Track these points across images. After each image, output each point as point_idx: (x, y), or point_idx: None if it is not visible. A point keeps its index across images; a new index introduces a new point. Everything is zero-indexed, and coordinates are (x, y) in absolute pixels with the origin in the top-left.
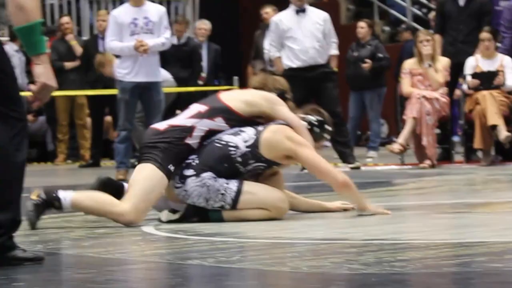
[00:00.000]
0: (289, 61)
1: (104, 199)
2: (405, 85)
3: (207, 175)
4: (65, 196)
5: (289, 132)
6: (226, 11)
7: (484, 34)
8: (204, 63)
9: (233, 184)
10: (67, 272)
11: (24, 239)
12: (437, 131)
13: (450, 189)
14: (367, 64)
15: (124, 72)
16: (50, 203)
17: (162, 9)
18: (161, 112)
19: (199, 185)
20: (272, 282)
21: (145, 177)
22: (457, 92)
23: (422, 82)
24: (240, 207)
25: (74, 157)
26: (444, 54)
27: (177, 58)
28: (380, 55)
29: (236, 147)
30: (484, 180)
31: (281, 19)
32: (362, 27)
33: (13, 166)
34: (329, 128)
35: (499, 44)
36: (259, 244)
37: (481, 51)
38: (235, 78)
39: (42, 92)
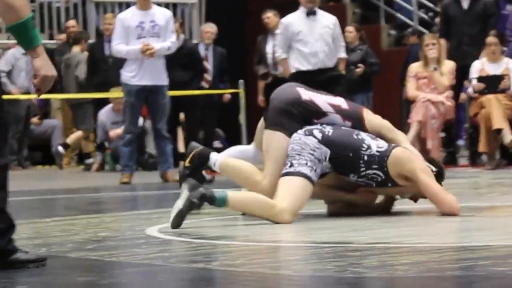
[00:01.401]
0: (299, 64)
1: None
2: (411, 89)
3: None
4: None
5: (415, 158)
6: (232, 15)
7: (490, 39)
8: (210, 66)
9: None
10: (70, 276)
11: (27, 242)
12: (442, 134)
13: (454, 192)
14: (360, 69)
15: (130, 75)
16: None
17: (168, 13)
18: (167, 115)
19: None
20: (275, 286)
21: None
22: (463, 96)
23: (428, 85)
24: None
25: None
26: (449, 57)
27: (176, 62)
28: (371, 60)
29: (369, 146)
30: (488, 184)
31: (291, 21)
32: (350, 31)
33: None
34: (444, 177)
35: (505, 48)
36: (263, 247)
37: (487, 55)
38: (241, 82)
39: (44, 84)
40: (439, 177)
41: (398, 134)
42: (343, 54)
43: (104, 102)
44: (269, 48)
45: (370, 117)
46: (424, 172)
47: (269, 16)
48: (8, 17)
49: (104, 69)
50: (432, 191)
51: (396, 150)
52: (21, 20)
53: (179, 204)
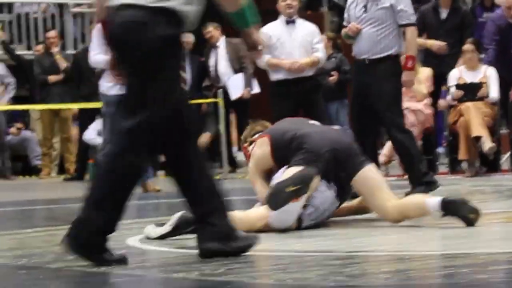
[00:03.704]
0: (277, 73)
1: None
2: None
3: None
4: None
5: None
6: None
7: (467, 46)
8: (188, 75)
9: None
10: (51, 286)
11: (7, 253)
12: (420, 142)
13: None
14: (333, 78)
15: (109, 85)
16: None
17: None
18: None
19: None
20: None
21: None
22: (442, 103)
23: (406, 94)
24: None
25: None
26: (426, 64)
27: None
28: (346, 67)
29: None
30: (468, 191)
31: (270, 30)
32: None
33: None
34: None
35: (482, 56)
36: (243, 256)
37: (465, 62)
38: (220, 91)
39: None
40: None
41: None
42: (320, 54)
43: (92, 112)
44: (212, 62)
45: None
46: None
47: (210, 30)
48: (231, 6)
49: (91, 80)
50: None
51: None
52: (241, 7)
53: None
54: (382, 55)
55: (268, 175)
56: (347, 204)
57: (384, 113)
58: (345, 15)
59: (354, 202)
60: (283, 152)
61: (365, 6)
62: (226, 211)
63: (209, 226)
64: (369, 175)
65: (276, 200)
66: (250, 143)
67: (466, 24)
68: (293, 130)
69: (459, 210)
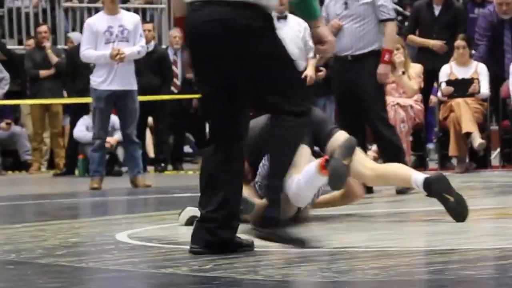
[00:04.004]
0: None
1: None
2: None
3: None
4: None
5: None
6: None
7: (459, 42)
8: (179, 71)
9: None
10: (39, 281)
11: None
12: (410, 138)
13: (423, 196)
14: (321, 73)
15: (99, 80)
16: None
17: (136, 17)
18: (136, 120)
19: None
20: None
21: None
22: (433, 99)
23: (397, 90)
24: None
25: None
26: (417, 60)
27: (147, 66)
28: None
29: None
30: (458, 188)
31: None
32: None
33: None
34: None
35: (473, 52)
36: (232, 252)
37: (456, 58)
38: None
39: (330, 48)
40: None
41: None
42: (311, 55)
43: (85, 107)
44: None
45: None
46: None
47: (176, 35)
48: None
49: (85, 75)
50: None
51: None
52: None
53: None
54: (365, 51)
55: None
56: (325, 196)
57: (369, 106)
58: (324, 14)
59: (332, 194)
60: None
61: (345, 3)
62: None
63: None
64: (343, 138)
65: (340, 178)
66: None
67: (459, 20)
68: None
69: (438, 189)
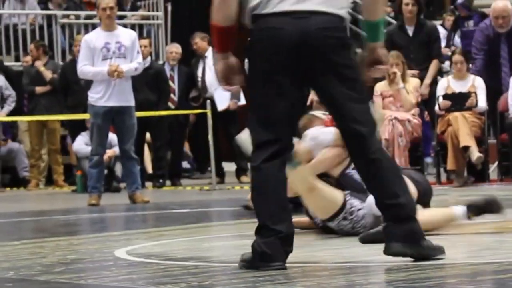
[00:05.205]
0: None
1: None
2: (377, 107)
3: None
4: None
5: None
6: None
7: (457, 57)
8: (176, 86)
9: None
10: None
11: None
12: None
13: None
14: None
15: (97, 96)
16: None
17: (133, 34)
18: (134, 136)
19: None
20: None
21: None
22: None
23: (394, 104)
24: None
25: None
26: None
27: (144, 82)
28: None
29: None
30: (456, 201)
31: None
32: None
33: None
34: None
35: (470, 66)
36: (232, 268)
37: (453, 73)
38: (208, 102)
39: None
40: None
41: None
42: None
43: (79, 124)
44: (199, 72)
45: None
46: None
47: (197, 41)
48: (380, 12)
49: (77, 91)
50: None
51: None
52: (381, 17)
53: None
54: None
55: None
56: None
57: None
58: None
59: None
60: None
61: None
62: None
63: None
64: None
65: None
66: None
67: (432, 40)
68: None
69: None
